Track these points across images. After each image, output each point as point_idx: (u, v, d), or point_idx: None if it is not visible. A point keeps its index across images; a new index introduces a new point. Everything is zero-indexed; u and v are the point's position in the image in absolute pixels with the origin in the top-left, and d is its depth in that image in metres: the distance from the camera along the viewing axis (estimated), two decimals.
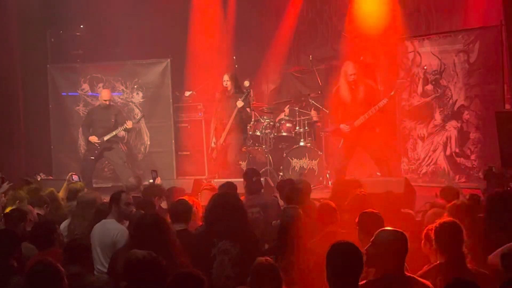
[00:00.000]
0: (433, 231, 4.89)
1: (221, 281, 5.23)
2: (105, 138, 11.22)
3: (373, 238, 4.55)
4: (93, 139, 11.23)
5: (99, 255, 6.20)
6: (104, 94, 11.57)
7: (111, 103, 11.63)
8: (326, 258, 4.42)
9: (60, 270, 4.35)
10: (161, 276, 4.21)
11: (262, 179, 9.23)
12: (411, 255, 4.66)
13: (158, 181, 8.74)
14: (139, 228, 4.99)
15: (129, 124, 11.22)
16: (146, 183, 9.11)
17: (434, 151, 10.83)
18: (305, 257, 5.19)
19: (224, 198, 5.71)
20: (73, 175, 8.90)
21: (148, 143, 12.63)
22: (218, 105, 11.25)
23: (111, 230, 6.25)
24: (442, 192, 7.03)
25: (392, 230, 4.56)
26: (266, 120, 11.79)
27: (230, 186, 7.45)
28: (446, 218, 5.31)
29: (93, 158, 11.34)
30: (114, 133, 11.22)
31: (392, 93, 9.89)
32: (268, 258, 4.73)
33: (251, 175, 7.76)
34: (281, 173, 11.29)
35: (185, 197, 6.89)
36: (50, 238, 5.86)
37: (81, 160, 11.74)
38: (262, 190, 8.15)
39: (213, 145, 11.06)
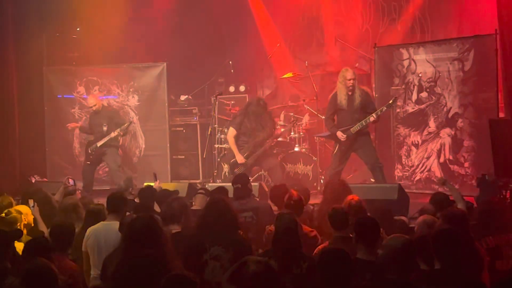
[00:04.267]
0: (431, 237, 4.95)
1: (213, 287, 5.23)
2: (98, 144, 11.19)
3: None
4: (92, 149, 11.22)
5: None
6: (89, 101, 11.48)
7: (103, 107, 11.45)
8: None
9: (54, 271, 4.38)
10: None
11: (256, 184, 9.30)
12: None
13: (157, 184, 8.75)
14: (132, 231, 5.00)
15: (115, 133, 11.14)
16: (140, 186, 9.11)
17: (428, 158, 10.87)
18: (299, 261, 5.21)
19: (215, 203, 5.70)
20: (69, 179, 8.89)
21: (143, 146, 12.63)
22: (249, 118, 10.68)
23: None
24: (432, 199, 7.06)
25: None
26: None
27: (222, 191, 7.47)
28: (444, 225, 5.37)
29: (88, 163, 11.31)
30: (106, 138, 11.15)
31: (391, 101, 9.89)
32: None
33: (237, 181, 7.78)
34: None
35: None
36: (70, 241, 5.93)
37: (82, 165, 11.70)
38: (257, 197, 8.18)
39: (240, 161, 10.63)
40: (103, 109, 11.41)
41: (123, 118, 11.74)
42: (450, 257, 4.77)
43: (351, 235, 5.65)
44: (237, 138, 10.74)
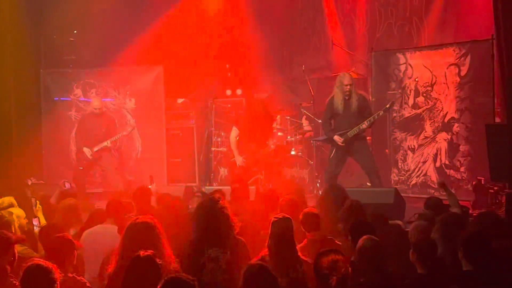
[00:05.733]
0: (461, 240, 5.06)
1: None
2: (95, 149, 11.18)
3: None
4: (87, 151, 11.17)
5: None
6: (95, 103, 11.45)
7: (104, 111, 11.53)
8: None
9: (54, 274, 4.38)
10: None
11: (252, 187, 9.30)
12: (398, 264, 4.75)
13: (153, 187, 8.79)
14: (132, 233, 5.01)
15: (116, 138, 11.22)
16: None
17: (424, 162, 10.91)
18: (295, 266, 5.23)
19: (209, 205, 5.69)
20: (66, 183, 8.90)
21: (140, 149, 12.64)
22: (252, 119, 10.57)
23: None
24: (426, 204, 7.09)
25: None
26: None
27: (219, 194, 7.47)
28: (473, 228, 5.45)
29: (81, 168, 11.30)
30: (104, 144, 11.16)
31: (388, 105, 9.91)
32: (260, 262, 4.77)
33: (238, 181, 7.82)
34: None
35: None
36: None
37: (73, 169, 11.71)
38: (252, 200, 8.16)
39: (240, 163, 10.55)
40: (104, 113, 11.42)
41: (116, 128, 11.70)
42: (483, 258, 4.93)
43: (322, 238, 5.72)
44: (239, 139, 10.74)
